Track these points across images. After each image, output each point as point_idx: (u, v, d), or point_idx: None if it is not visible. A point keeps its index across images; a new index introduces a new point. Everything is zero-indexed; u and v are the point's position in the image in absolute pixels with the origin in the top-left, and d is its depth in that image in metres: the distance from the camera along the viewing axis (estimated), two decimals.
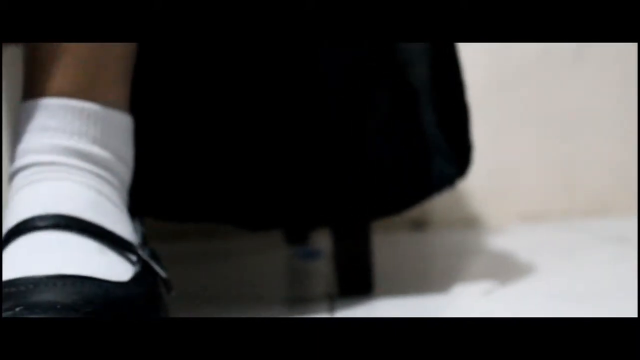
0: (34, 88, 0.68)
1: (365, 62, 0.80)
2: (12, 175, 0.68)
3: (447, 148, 0.82)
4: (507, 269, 0.94)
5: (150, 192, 0.80)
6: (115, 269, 0.64)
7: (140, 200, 0.73)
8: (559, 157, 1.33)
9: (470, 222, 1.33)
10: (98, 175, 0.68)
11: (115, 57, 0.69)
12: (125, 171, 0.70)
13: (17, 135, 0.69)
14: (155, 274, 0.66)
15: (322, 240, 1.19)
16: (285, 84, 0.79)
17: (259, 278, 1.01)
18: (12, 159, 0.69)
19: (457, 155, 0.82)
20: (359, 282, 0.83)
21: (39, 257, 0.63)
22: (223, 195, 0.80)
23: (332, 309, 0.78)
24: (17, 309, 0.58)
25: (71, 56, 0.67)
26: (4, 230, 0.66)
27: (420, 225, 1.32)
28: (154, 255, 0.68)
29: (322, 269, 1.01)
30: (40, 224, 0.64)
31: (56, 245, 0.64)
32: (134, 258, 0.66)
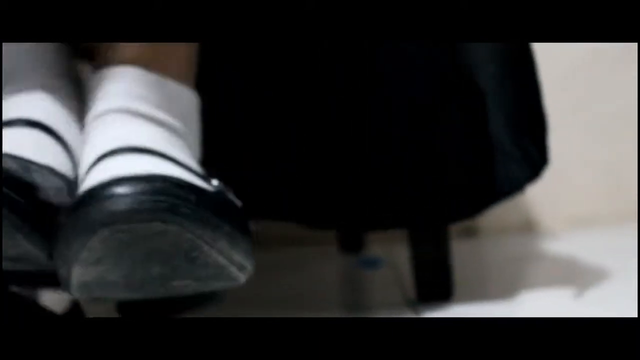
0: (103, 57, 0.73)
1: (436, 65, 0.82)
2: (93, 119, 0.71)
3: (517, 151, 0.84)
4: (576, 273, 0.97)
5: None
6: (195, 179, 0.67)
7: None
8: (609, 159, 1.35)
9: (520, 228, 1.35)
10: (176, 131, 0.72)
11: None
12: (194, 139, 0.73)
13: (86, 102, 0.73)
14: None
15: (376, 248, 1.21)
16: (358, 85, 0.82)
17: (329, 286, 1.04)
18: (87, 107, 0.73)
19: (529, 159, 0.84)
20: (438, 288, 0.85)
21: (126, 164, 0.65)
22: (307, 198, 0.83)
23: (417, 314, 0.81)
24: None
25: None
26: (82, 167, 0.69)
27: (470, 232, 1.34)
28: (227, 188, 0.70)
29: (383, 277, 1.04)
30: (121, 151, 0.67)
31: (141, 160, 0.66)
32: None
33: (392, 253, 1.17)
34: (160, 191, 0.62)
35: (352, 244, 1.21)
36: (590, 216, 1.36)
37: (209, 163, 0.74)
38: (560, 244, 1.20)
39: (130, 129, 0.69)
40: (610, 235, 1.25)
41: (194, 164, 0.69)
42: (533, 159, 0.84)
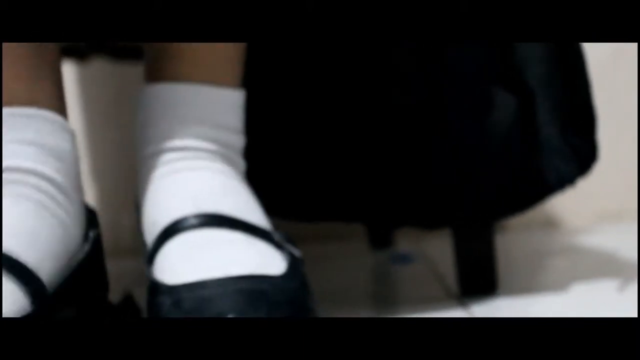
0: (158, 72, 0.76)
1: (485, 62, 0.84)
2: (148, 156, 0.76)
3: (565, 147, 0.86)
4: (613, 268, 0.98)
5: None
6: (270, 260, 0.71)
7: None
8: (632, 153, 1.37)
9: (548, 224, 1.37)
10: (226, 157, 0.76)
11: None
12: (241, 142, 0.78)
13: (144, 117, 0.76)
14: (296, 257, 0.73)
15: (405, 243, 1.23)
16: (404, 82, 0.84)
17: (363, 282, 1.06)
18: (139, 140, 0.76)
19: (578, 154, 0.86)
20: (483, 282, 0.87)
21: (204, 258, 0.70)
22: (348, 195, 0.85)
23: (467, 308, 0.83)
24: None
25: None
26: (153, 223, 0.73)
27: (498, 228, 1.36)
28: (288, 238, 0.74)
29: (417, 272, 1.06)
30: (194, 222, 0.72)
31: (215, 243, 0.71)
32: (275, 242, 0.73)
33: (421, 247, 1.19)
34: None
35: (381, 240, 1.23)
36: (615, 212, 1.37)
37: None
38: (592, 239, 1.22)
39: (200, 184, 0.74)
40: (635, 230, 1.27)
41: (255, 214, 0.75)
42: (582, 154, 0.86)
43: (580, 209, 1.38)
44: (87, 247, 0.70)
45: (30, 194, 0.68)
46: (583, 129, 0.87)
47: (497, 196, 0.85)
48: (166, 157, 0.75)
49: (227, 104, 0.76)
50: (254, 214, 0.74)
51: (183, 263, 0.70)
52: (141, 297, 0.78)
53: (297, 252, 0.73)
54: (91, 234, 0.71)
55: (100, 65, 1.18)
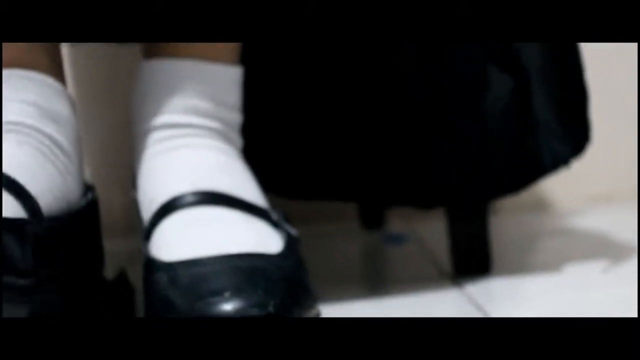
0: (156, 48, 0.76)
1: (479, 44, 0.84)
2: (146, 132, 0.75)
3: (560, 128, 0.86)
4: (604, 249, 0.99)
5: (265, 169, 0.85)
6: (267, 239, 0.71)
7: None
8: (625, 137, 1.37)
9: (538, 206, 1.38)
10: (223, 134, 0.77)
11: None
12: (239, 119, 0.78)
13: (142, 93, 0.76)
14: (292, 236, 0.73)
15: (397, 223, 1.23)
16: (397, 62, 0.84)
17: (358, 262, 1.06)
18: (135, 116, 0.76)
19: (572, 135, 0.87)
20: (478, 262, 0.88)
21: (201, 236, 0.70)
22: (345, 175, 0.86)
23: (461, 288, 0.83)
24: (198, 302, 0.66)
25: None
26: (150, 200, 0.74)
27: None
28: (285, 216, 0.75)
29: (410, 252, 1.06)
30: (191, 199, 0.72)
31: (212, 221, 0.71)
32: (272, 221, 0.73)
33: (413, 228, 1.20)
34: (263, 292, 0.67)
35: (373, 220, 1.23)
36: (605, 194, 1.38)
37: None
38: (581, 221, 1.23)
39: (198, 162, 0.74)
40: (629, 212, 1.28)
41: (252, 193, 0.75)
42: (576, 135, 0.86)
43: (571, 191, 1.38)
44: (84, 201, 0.71)
45: (33, 143, 0.69)
46: (576, 110, 0.87)
47: (491, 176, 0.85)
48: (163, 133, 0.75)
49: (226, 80, 0.76)
50: (252, 192, 0.74)
51: (179, 240, 0.70)
52: (133, 276, 0.79)
53: (293, 231, 0.73)
54: (90, 195, 0.72)
55: (91, 46, 1.18)
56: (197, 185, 0.73)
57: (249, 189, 0.74)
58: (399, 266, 1.03)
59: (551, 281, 0.86)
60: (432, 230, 1.14)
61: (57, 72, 0.72)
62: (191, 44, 0.75)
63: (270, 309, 0.65)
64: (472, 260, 0.89)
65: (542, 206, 1.38)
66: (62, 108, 0.71)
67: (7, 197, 0.65)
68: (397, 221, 1.25)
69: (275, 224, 0.73)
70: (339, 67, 0.86)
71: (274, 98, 0.87)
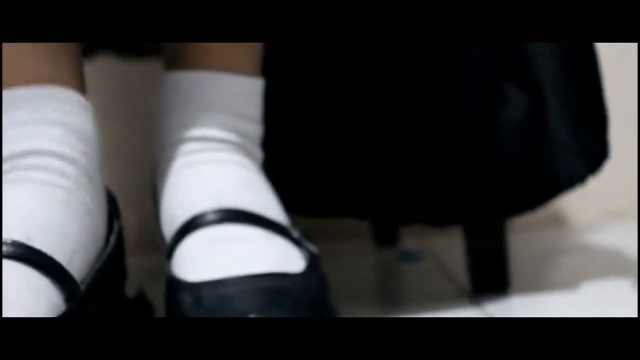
0: (178, 61, 0.76)
1: (495, 57, 0.84)
2: (168, 146, 0.75)
3: (576, 145, 0.86)
4: (622, 265, 0.99)
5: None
6: (289, 257, 0.72)
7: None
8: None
9: (553, 222, 1.37)
10: (245, 148, 0.76)
11: None
12: (259, 132, 0.78)
13: (164, 105, 0.76)
14: (314, 254, 0.74)
15: (411, 241, 1.23)
16: (411, 79, 0.84)
17: (372, 279, 1.06)
18: (157, 129, 0.76)
19: (589, 152, 0.86)
20: (496, 280, 0.87)
21: (225, 255, 0.70)
22: (360, 192, 0.86)
23: (481, 307, 0.83)
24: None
25: None
26: (172, 217, 0.73)
27: None
28: (305, 234, 0.75)
29: (425, 269, 1.06)
30: (213, 217, 0.72)
31: (235, 240, 0.71)
32: (293, 238, 0.74)
33: (427, 245, 1.19)
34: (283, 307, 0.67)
35: (386, 238, 1.23)
36: (619, 210, 1.38)
37: None
38: (597, 237, 1.22)
39: (220, 178, 0.73)
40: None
41: (273, 209, 0.75)
42: (593, 152, 0.86)
43: (586, 207, 1.38)
44: (113, 239, 0.70)
45: (57, 181, 0.67)
46: (594, 126, 0.87)
47: (507, 194, 0.85)
48: (186, 147, 0.75)
49: (247, 92, 0.76)
50: (273, 209, 0.74)
51: (203, 260, 0.70)
52: (149, 293, 0.79)
53: (314, 249, 0.73)
54: (116, 225, 0.71)
55: (104, 63, 1.18)
56: (220, 203, 0.72)
57: (270, 206, 0.74)
58: (415, 283, 1.03)
59: (571, 299, 0.85)
60: (446, 247, 1.14)
61: (79, 84, 0.71)
62: (214, 55, 0.75)
63: None
64: (490, 278, 0.88)
65: (557, 222, 1.37)
66: (85, 123, 0.70)
67: (44, 282, 0.63)
68: (411, 238, 1.24)
69: (297, 242, 0.73)
70: (352, 80, 0.86)
71: (284, 115, 0.87)
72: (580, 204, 1.37)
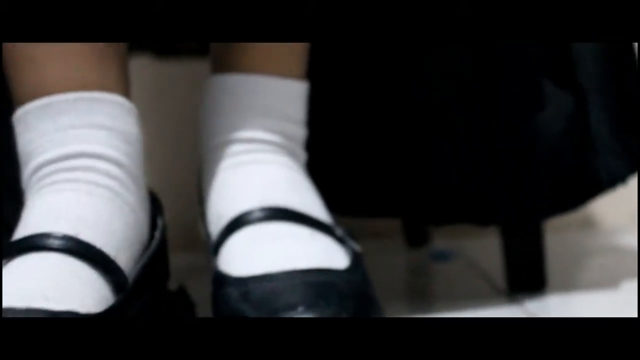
0: (224, 63, 0.77)
1: (538, 58, 0.84)
2: (215, 147, 0.76)
3: (617, 145, 0.86)
4: None
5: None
6: (334, 254, 0.72)
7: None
8: None
9: (584, 223, 1.37)
10: (290, 150, 0.77)
11: None
12: (304, 134, 0.79)
13: (211, 107, 0.77)
14: (357, 252, 0.74)
15: (441, 240, 1.23)
16: (458, 80, 0.85)
17: (410, 278, 1.06)
18: (203, 131, 0.77)
19: (629, 151, 0.87)
20: (533, 279, 0.88)
21: (271, 251, 0.71)
22: (405, 193, 0.87)
23: (521, 306, 0.83)
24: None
25: None
26: (218, 215, 0.74)
27: None
28: (349, 233, 0.76)
29: (457, 269, 1.06)
30: (260, 215, 0.73)
31: (281, 236, 0.72)
32: (338, 236, 0.74)
33: (458, 244, 1.20)
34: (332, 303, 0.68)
35: (417, 237, 1.24)
36: None
37: None
38: (628, 238, 1.23)
39: (266, 177, 0.74)
40: None
41: (316, 208, 0.75)
42: (634, 152, 0.86)
43: (616, 208, 1.38)
44: (157, 235, 0.71)
45: (102, 181, 0.69)
46: (635, 127, 0.87)
47: (549, 194, 0.85)
48: (233, 149, 0.76)
49: (292, 95, 0.77)
50: (318, 209, 0.75)
51: (249, 255, 0.71)
52: (190, 290, 0.79)
53: (357, 247, 0.74)
54: (159, 222, 0.72)
55: (141, 63, 1.19)
56: (266, 201, 0.74)
57: (315, 205, 0.75)
58: (451, 284, 1.03)
59: (606, 299, 0.86)
60: (477, 247, 1.15)
61: (124, 88, 0.72)
62: (260, 58, 0.76)
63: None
64: (527, 277, 0.89)
65: (588, 223, 1.38)
66: (130, 126, 0.71)
67: (93, 274, 0.65)
68: (441, 238, 1.25)
69: (340, 240, 0.74)
70: (388, 82, 0.86)
71: (324, 117, 0.87)
72: (610, 205, 1.37)
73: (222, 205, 0.75)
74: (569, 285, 0.93)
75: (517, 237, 0.89)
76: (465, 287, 0.98)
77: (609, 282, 0.91)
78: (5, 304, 0.60)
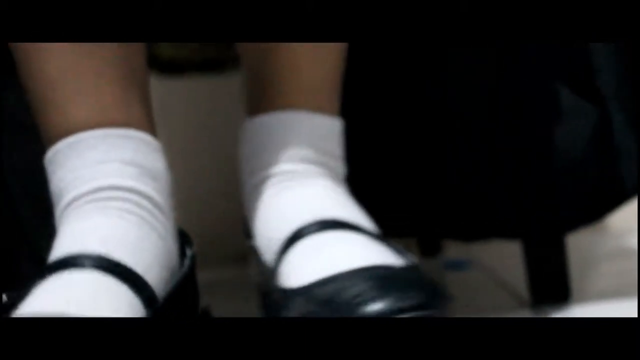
0: (259, 104, 0.78)
1: (558, 68, 0.84)
2: (259, 183, 0.77)
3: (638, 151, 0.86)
4: None
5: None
6: (392, 259, 0.72)
7: None
8: None
9: (592, 227, 1.37)
10: (331, 173, 0.78)
11: (329, 68, 0.78)
12: (343, 169, 0.79)
13: (251, 148, 0.78)
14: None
15: (453, 250, 1.23)
16: (475, 93, 0.84)
17: None
18: (244, 171, 0.77)
19: None
20: (556, 290, 0.87)
21: (329, 256, 0.71)
22: (421, 207, 0.86)
23: (545, 315, 0.83)
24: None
25: (296, 72, 0.77)
26: (269, 239, 0.75)
27: None
28: (402, 248, 0.75)
29: (474, 279, 1.06)
30: (314, 228, 0.73)
31: (338, 243, 0.72)
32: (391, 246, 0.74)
33: (472, 254, 1.19)
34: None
35: (430, 247, 1.23)
36: None
37: None
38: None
39: (314, 196, 0.75)
40: None
41: (364, 220, 0.75)
42: None
43: (624, 211, 1.37)
44: (187, 262, 0.71)
45: (132, 209, 0.69)
46: None
47: (574, 205, 0.85)
48: (276, 179, 0.77)
49: (329, 131, 0.78)
50: (368, 223, 0.75)
51: (309, 265, 0.71)
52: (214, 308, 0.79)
53: (414, 259, 0.73)
54: (188, 251, 0.72)
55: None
56: (318, 215, 0.74)
57: (365, 220, 0.75)
58: (469, 294, 1.03)
59: (633, 307, 0.85)
60: (493, 255, 1.14)
61: (149, 126, 0.73)
62: (295, 97, 0.76)
63: (415, 304, 0.65)
64: (551, 288, 0.88)
65: (596, 226, 1.37)
66: (157, 163, 0.72)
67: (123, 288, 0.66)
68: (454, 247, 1.24)
69: (395, 250, 0.73)
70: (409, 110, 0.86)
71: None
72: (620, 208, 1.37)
73: (272, 228, 0.75)
74: (591, 293, 0.92)
75: (540, 247, 0.89)
76: (485, 297, 0.98)
77: (631, 289, 0.91)
78: (39, 313, 0.62)
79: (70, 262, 0.66)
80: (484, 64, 0.85)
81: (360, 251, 0.71)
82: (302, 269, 0.71)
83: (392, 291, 0.66)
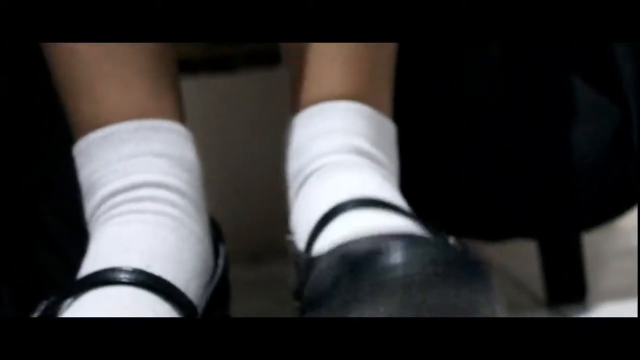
0: (309, 95, 0.76)
1: (575, 63, 0.85)
2: (305, 178, 0.74)
3: None
4: None
5: None
6: (427, 234, 0.70)
7: None
8: None
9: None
10: (378, 164, 0.75)
11: (382, 64, 0.76)
12: (397, 172, 0.77)
13: (299, 140, 0.75)
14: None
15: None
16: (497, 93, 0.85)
17: None
18: (292, 165, 0.75)
19: None
20: (573, 289, 0.88)
21: (364, 225, 0.68)
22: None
23: (563, 315, 0.83)
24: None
25: (348, 65, 0.74)
26: (303, 223, 0.72)
27: None
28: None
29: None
30: (352, 205, 0.70)
31: (375, 218, 0.69)
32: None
33: (486, 253, 1.19)
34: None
35: None
36: None
37: None
38: None
39: (358, 178, 0.72)
40: None
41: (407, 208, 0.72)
42: None
43: (634, 209, 1.37)
44: (221, 262, 0.71)
45: (168, 210, 0.69)
46: None
47: (592, 205, 0.85)
48: (323, 168, 0.73)
49: (385, 128, 0.76)
50: (410, 209, 0.73)
51: (342, 232, 0.67)
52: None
53: (452, 241, 0.70)
54: (221, 249, 0.71)
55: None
56: (358, 194, 0.70)
57: (404, 203, 0.73)
58: None
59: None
60: (507, 255, 1.14)
61: (180, 116, 0.73)
62: (343, 88, 0.74)
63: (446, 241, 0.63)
64: (568, 287, 0.89)
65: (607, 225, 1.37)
66: (188, 153, 0.71)
67: (165, 307, 0.64)
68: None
69: (435, 233, 0.71)
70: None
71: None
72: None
73: (310, 208, 0.72)
74: (604, 292, 0.92)
75: (556, 247, 0.89)
76: (501, 297, 0.97)
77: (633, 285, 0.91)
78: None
79: (109, 277, 0.64)
80: (492, 63, 0.85)
81: (396, 222, 0.68)
82: (335, 237, 0.67)
83: (420, 241, 0.62)
